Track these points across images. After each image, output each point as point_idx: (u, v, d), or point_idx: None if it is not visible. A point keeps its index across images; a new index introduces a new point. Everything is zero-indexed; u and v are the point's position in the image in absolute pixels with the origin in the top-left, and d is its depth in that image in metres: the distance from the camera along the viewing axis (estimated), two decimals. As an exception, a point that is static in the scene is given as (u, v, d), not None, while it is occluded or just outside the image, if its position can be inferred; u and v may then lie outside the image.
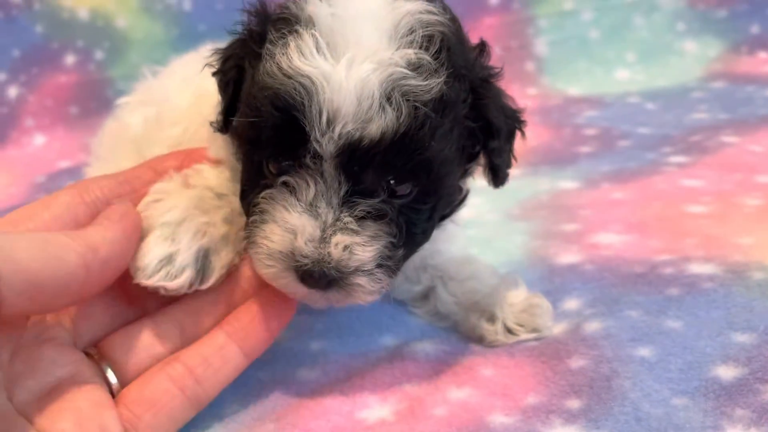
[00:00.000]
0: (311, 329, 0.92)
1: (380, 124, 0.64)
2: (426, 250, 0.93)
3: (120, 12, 1.92)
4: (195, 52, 1.07)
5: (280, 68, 0.66)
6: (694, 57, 2.04)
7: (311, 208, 0.66)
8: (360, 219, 0.67)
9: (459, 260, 0.95)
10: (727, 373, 0.74)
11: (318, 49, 0.65)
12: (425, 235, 0.76)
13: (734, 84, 1.85)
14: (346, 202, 0.66)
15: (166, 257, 0.70)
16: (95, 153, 1.12)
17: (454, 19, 0.75)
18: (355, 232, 0.66)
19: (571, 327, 0.86)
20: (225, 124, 0.77)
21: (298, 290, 0.69)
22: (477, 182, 1.35)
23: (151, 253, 0.70)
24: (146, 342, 0.72)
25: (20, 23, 1.90)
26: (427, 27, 0.69)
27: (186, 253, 0.71)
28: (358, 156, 0.65)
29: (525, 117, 0.83)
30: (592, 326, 0.84)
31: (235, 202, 0.77)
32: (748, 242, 1.00)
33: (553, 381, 0.76)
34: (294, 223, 0.66)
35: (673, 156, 1.40)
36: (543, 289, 0.94)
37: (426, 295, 0.95)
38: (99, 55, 1.93)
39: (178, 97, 0.94)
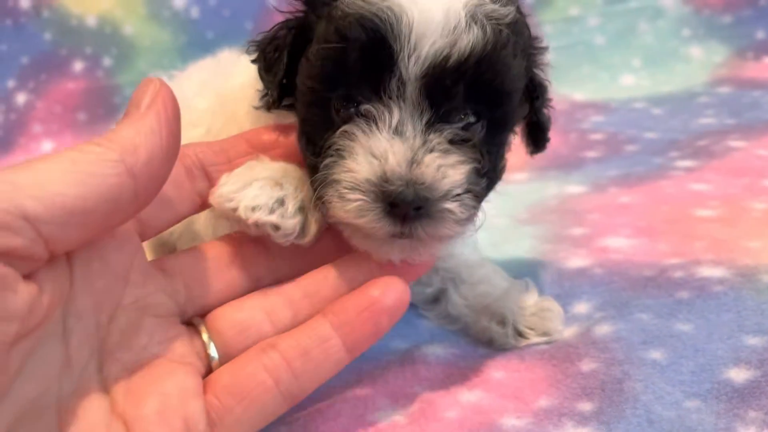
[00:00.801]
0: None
1: (468, 39, 0.64)
2: (439, 253, 0.94)
3: (128, 19, 1.94)
4: (212, 57, 1.09)
5: None
6: (700, 62, 2.05)
7: (398, 132, 0.65)
8: (448, 142, 0.66)
9: (471, 263, 0.95)
10: (739, 375, 0.74)
11: None
12: (496, 174, 0.75)
13: (740, 89, 1.86)
14: (431, 127, 0.66)
15: (279, 199, 0.69)
16: None
17: None
18: (446, 154, 0.65)
19: (581, 330, 0.86)
20: (280, 98, 0.75)
21: (382, 227, 0.65)
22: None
23: (265, 194, 0.69)
24: (257, 319, 0.67)
25: (29, 30, 1.92)
26: None
27: (294, 200, 0.70)
28: (447, 74, 0.65)
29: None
30: (603, 329, 0.84)
31: None
32: (756, 246, 1.00)
33: (565, 384, 0.76)
34: (382, 147, 0.64)
35: (680, 160, 1.40)
36: (552, 292, 0.95)
37: (437, 298, 0.95)
38: (107, 61, 1.94)
39: (197, 99, 0.95)
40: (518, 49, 0.70)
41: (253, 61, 0.78)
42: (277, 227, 0.68)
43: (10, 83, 1.92)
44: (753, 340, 0.79)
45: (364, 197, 0.64)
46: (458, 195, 0.65)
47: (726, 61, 2.05)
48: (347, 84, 0.68)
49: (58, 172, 0.52)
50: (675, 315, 0.85)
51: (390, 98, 0.65)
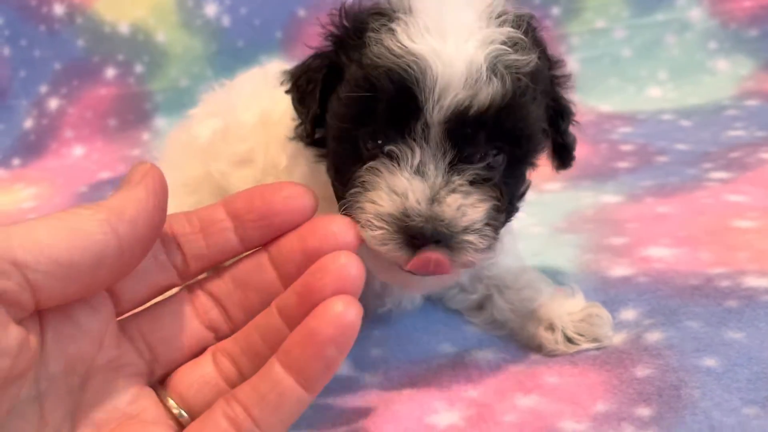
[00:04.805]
0: (369, 336, 0.93)
1: (488, 92, 0.69)
2: (483, 262, 0.95)
3: (160, 27, 1.97)
4: (260, 68, 1.10)
5: (389, 50, 0.71)
6: (726, 75, 2.05)
7: (419, 172, 0.69)
8: (469, 182, 0.70)
9: (514, 270, 0.96)
10: (795, 383, 0.74)
11: (427, 31, 0.71)
12: (514, 206, 0.80)
13: (768, 102, 1.86)
14: (453, 168, 0.70)
15: None
16: (164, 158, 1.16)
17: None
18: (467, 194, 0.70)
19: (631, 337, 0.86)
20: (312, 132, 0.80)
21: (402, 255, 0.69)
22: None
23: None
24: (212, 375, 0.67)
25: (62, 37, 1.95)
26: (514, 11, 0.76)
27: None
28: (468, 123, 0.70)
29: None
30: (654, 336, 0.85)
31: None
32: (800, 257, 1.01)
33: (620, 389, 0.77)
34: (404, 186, 0.69)
35: (714, 172, 1.41)
36: (598, 299, 0.94)
37: (482, 305, 0.96)
38: (138, 68, 1.97)
39: (245, 112, 0.97)
40: (538, 93, 0.74)
41: (287, 92, 0.83)
42: None
43: (43, 89, 1.95)
44: (806, 349, 0.79)
45: (387, 228, 0.69)
46: (477, 229, 0.70)
47: (752, 74, 2.05)
48: (375, 126, 0.73)
49: (47, 226, 0.56)
50: (725, 323, 0.86)
51: (414, 140, 0.70)
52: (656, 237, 1.13)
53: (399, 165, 0.70)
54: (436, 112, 0.69)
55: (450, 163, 0.70)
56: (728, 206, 1.23)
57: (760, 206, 1.21)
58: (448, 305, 0.99)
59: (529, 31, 0.76)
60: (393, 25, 0.72)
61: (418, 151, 0.69)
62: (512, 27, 0.74)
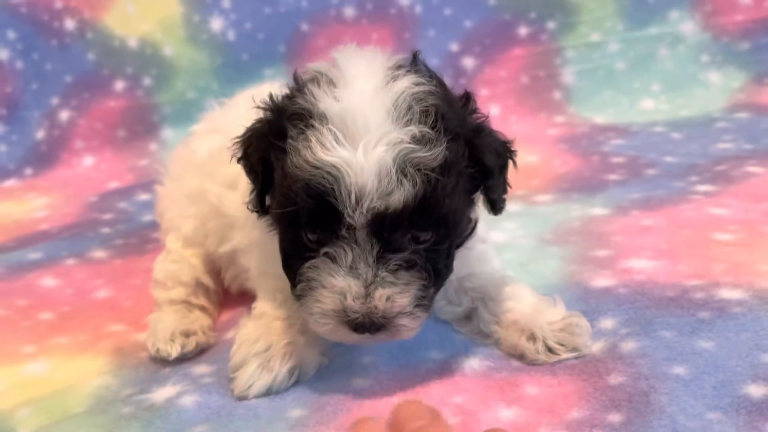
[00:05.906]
0: (362, 345, 0.99)
1: (400, 194, 0.76)
2: (463, 274, 1.00)
3: (167, 41, 2.04)
4: (258, 87, 1.16)
5: (306, 161, 0.77)
6: (718, 88, 2.09)
7: (352, 271, 0.78)
8: (394, 271, 0.79)
9: (497, 281, 1.02)
10: (757, 391, 0.79)
11: (337, 140, 0.76)
12: (448, 269, 0.88)
13: (758, 115, 1.90)
14: (381, 259, 0.78)
15: (267, 387, 0.89)
16: (168, 173, 1.25)
17: (440, 83, 0.86)
18: (393, 284, 0.78)
19: (608, 346, 0.92)
20: (261, 206, 0.88)
21: (351, 338, 0.81)
22: (510, 207, 1.43)
23: (255, 386, 0.89)
24: None
25: (73, 51, 2.03)
26: (420, 101, 0.80)
27: (280, 377, 0.89)
28: (386, 222, 0.77)
29: (517, 145, 0.94)
30: (629, 345, 0.90)
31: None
32: (774, 269, 1.06)
33: (594, 397, 0.82)
34: (341, 286, 0.78)
35: (699, 185, 1.46)
36: (579, 308, 1.00)
37: (468, 316, 1.01)
38: (147, 81, 2.04)
39: (237, 134, 1.03)
40: (451, 179, 0.79)
41: (239, 161, 0.90)
42: None
43: (54, 101, 2.02)
44: (770, 359, 0.84)
45: (332, 322, 0.79)
46: (408, 312, 0.80)
47: (744, 87, 2.09)
48: (308, 230, 0.80)
49: None
50: (697, 333, 0.91)
51: (343, 241, 0.78)
52: (639, 249, 1.18)
53: (336, 263, 0.78)
54: (357, 216, 0.76)
55: (378, 254, 0.78)
56: (710, 219, 1.28)
57: (741, 219, 1.26)
58: (437, 315, 1.05)
59: (437, 121, 0.79)
60: (309, 133, 0.77)
61: (349, 251, 0.78)
62: (419, 123, 0.78)
